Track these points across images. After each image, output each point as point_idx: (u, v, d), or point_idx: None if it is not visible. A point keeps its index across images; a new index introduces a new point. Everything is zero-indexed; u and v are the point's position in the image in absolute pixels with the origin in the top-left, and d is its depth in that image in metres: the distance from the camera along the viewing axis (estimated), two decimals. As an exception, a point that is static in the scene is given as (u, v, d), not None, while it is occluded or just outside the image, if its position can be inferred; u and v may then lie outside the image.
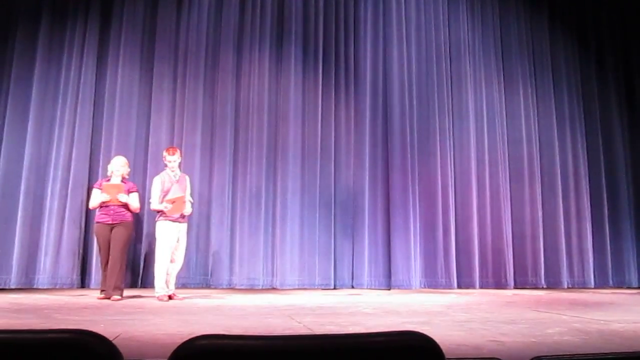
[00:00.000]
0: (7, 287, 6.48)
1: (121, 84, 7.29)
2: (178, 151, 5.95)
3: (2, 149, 6.89)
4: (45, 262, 6.65)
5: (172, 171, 5.85)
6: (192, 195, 6.08)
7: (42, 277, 6.62)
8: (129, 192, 5.81)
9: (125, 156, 6.14)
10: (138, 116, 7.30)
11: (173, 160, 5.81)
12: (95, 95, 7.24)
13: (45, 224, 6.77)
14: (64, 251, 6.70)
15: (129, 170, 6.04)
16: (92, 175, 6.98)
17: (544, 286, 8.04)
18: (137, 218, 6.00)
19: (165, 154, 5.89)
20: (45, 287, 6.55)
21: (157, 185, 5.79)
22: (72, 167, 6.94)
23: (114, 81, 7.29)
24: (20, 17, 7.20)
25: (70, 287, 6.62)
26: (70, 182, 6.89)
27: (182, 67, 7.54)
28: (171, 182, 5.79)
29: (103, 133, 7.15)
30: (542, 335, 3.30)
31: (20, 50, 7.12)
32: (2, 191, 6.79)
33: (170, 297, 5.62)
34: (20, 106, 7.00)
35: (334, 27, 8.12)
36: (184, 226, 5.80)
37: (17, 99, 7.01)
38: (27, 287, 6.54)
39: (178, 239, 5.73)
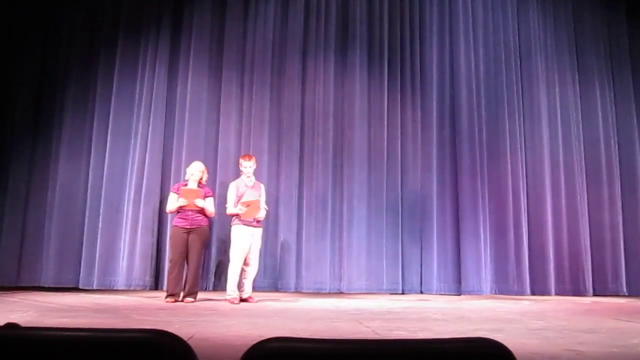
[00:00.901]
0: (90, 288, 6.87)
1: (191, 92, 7.52)
2: (253, 158, 6.26)
3: (91, 162, 7.34)
4: (122, 265, 6.97)
5: (247, 177, 6.11)
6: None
7: (120, 279, 6.93)
8: (205, 197, 6.02)
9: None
10: (207, 123, 7.51)
11: (248, 166, 6.10)
12: (166, 103, 7.53)
13: (123, 229, 7.10)
14: (138, 255, 6.97)
15: (206, 175, 6.27)
16: (165, 182, 7.25)
17: (626, 294, 7.58)
18: (210, 223, 6.20)
19: (241, 160, 6.24)
20: (121, 289, 6.88)
21: (232, 191, 6.08)
22: (145, 174, 7.22)
23: (184, 90, 7.55)
24: (101, 41, 7.67)
25: (143, 289, 6.90)
26: (144, 188, 7.18)
27: (249, 75, 7.71)
28: (245, 188, 6.06)
29: (174, 140, 7.42)
30: (625, 345, 3.12)
31: (103, 70, 7.55)
32: (90, 200, 7.22)
33: (245, 300, 5.79)
34: (102, 120, 7.42)
35: (399, 31, 8.04)
36: (258, 231, 5.99)
37: (99, 114, 7.45)
38: (106, 288, 6.90)
39: (251, 244, 5.88)
